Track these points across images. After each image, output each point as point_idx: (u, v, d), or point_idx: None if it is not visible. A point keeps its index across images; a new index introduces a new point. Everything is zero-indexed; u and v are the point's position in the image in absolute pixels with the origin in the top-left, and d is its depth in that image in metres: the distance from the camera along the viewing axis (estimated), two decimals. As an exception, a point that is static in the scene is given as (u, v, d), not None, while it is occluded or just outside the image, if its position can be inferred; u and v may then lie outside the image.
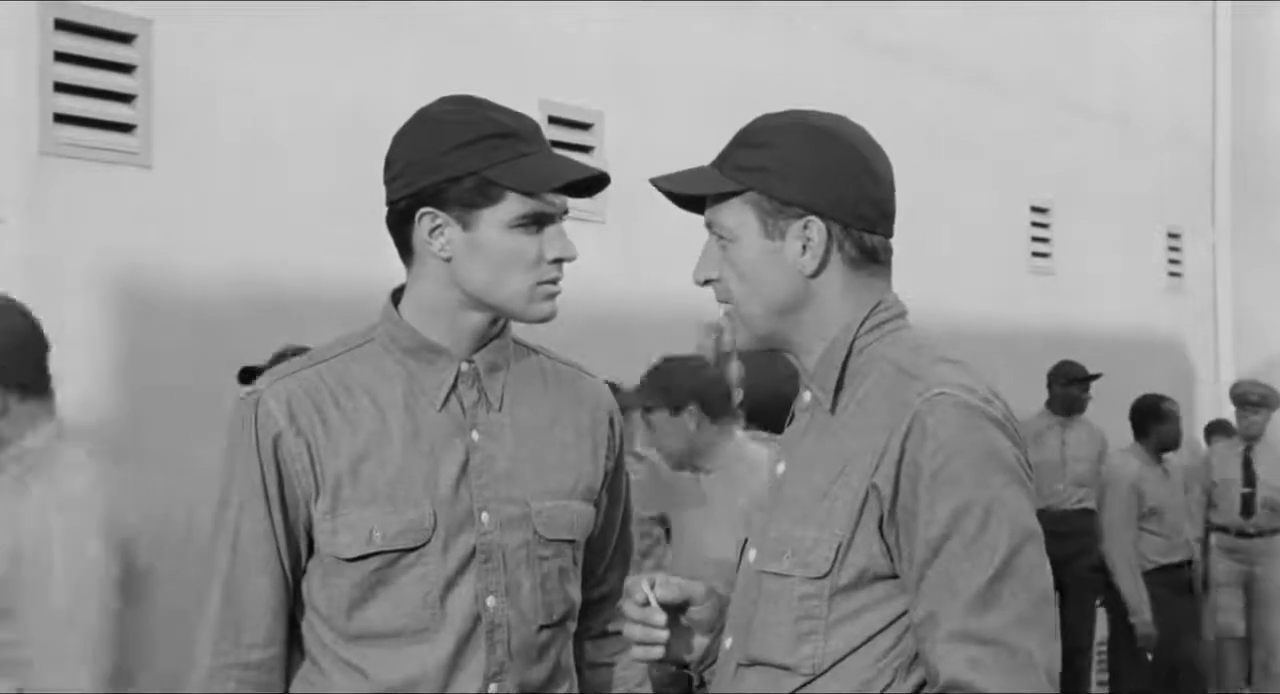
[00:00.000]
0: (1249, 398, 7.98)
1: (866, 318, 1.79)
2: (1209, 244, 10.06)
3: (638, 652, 1.88)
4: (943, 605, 1.63)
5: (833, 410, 1.78)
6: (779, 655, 1.73)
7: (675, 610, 1.89)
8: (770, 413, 4.15)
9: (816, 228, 1.77)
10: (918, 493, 1.65)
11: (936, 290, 7.18)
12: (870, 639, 1.69)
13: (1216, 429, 9.52)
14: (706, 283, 1.85)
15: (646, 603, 1.86)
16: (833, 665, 1.70)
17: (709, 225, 1.83)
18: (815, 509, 1.74)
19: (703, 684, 1.95)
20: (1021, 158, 8.21)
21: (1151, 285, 9.54)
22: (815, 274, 1.78)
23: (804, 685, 1.71)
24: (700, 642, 1.92)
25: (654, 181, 1.84)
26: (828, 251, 1.77)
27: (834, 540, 1.70)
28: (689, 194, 1.84)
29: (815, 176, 1.76)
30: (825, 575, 1.70)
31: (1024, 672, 1.61)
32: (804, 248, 1.77)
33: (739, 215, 1.80)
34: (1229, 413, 10.02)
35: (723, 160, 1.83)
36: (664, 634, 1.86)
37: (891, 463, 1.67)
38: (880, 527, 1.69)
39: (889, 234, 1.82)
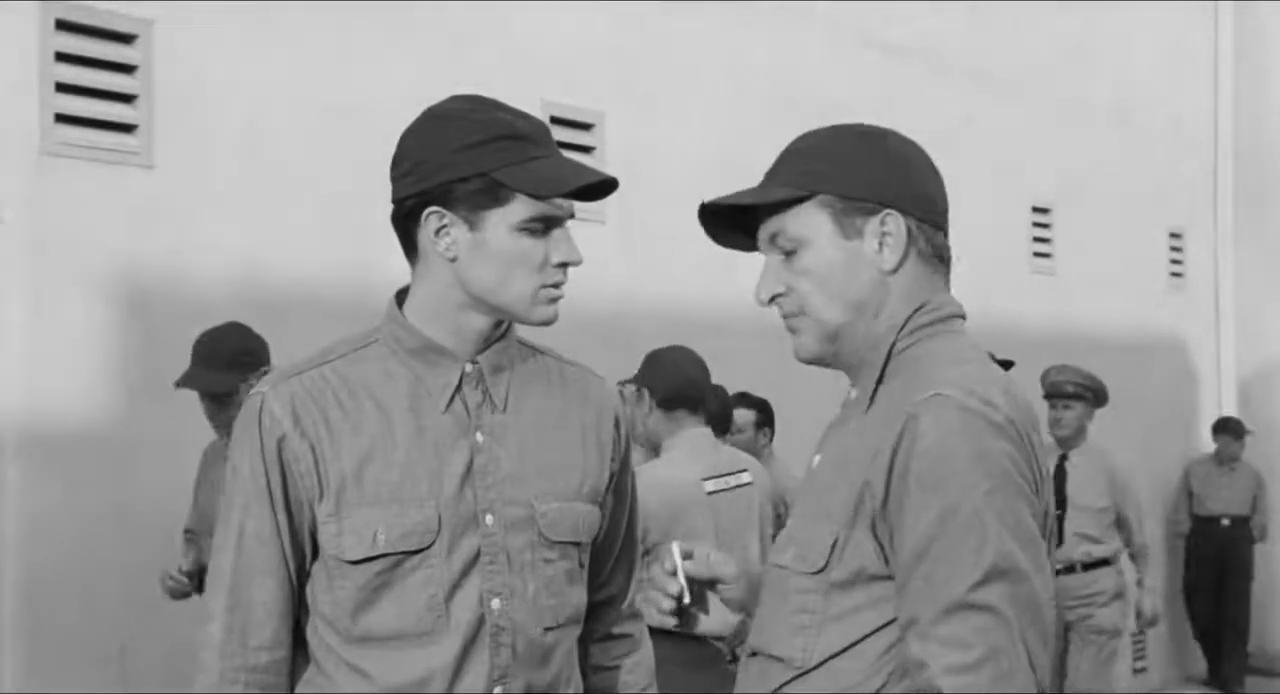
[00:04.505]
0: (1063, 389, 6.17)
1: (909, 319, 1.78)
2: (1211, 244, 10.04)
3: (651, 614, 1.92)
4: (925, 609, 1.61)
5: (868, 409, 1.78)
6: (774, 647, 1.74)
7: (706, 586, 1.91)
8: (687, 398, 4.09)
9: (895, 221, 1.76)
10: (905, 495, 1.64)
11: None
12: (864, 638, 1.69)
13: (1222, 428, 9.45)
14: (772, 301, 1.82)
15: (675, 572, 1.87)
16: (822, 662, 1.70)
17: (772, 238, 1.81)
18: (820, 504, 1.74)
19: (734, 659, 1.96)
20: (1022, 158, 8.19)
21: (1153, 285, 9.52)
22: (895, 269, 1.78)
23: (793, 679, 1.71)
24: (731, 619, 1.93)
25: (708, 204, 1.83)
26: (906, 245, 1.77)
27: (830, 536, 1.70)
28: (753, 204, 1.81)
29: (882, 172, 1.77)
30: (821, 570, 1.70)
31: (1008, 678, 1.59)
32: (880, 244, 1.77)
33: (809, 220, 1.78)
34: (1230, 412, 10.01)
35: (773, 176, 1.82)
36: (670, 604, 1.90)
37: (884, 463, 1.66)
38: (873, 526, 1.68)
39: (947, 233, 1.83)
